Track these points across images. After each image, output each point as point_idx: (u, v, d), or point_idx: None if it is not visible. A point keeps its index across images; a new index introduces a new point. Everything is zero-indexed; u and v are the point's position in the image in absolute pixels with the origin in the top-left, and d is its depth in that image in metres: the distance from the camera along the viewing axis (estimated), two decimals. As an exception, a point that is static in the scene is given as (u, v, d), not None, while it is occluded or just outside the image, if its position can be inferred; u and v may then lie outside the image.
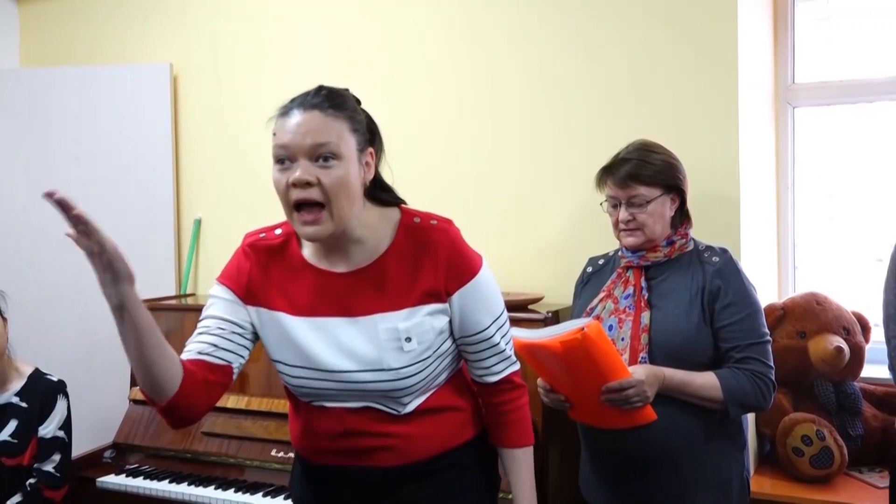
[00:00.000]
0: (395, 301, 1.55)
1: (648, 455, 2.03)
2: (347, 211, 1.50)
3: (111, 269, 1.34)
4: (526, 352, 1.93)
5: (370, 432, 1.58)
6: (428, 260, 1.57)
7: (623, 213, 2.06)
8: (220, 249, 3.34)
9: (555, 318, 2.37)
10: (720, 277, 2.04)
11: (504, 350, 1.66)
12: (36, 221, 3.36)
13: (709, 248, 2.12)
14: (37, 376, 2.60)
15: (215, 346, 1.54)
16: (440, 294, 1.57)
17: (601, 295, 2.15)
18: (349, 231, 1.54)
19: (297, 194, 1.45)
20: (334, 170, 1.46)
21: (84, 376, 3.00)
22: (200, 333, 1.56)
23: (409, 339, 1.54)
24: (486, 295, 1.62)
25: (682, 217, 2.14)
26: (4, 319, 2.57)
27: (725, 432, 2.07)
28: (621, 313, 2.08)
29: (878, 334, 2.49)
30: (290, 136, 1.46)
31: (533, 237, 2.75)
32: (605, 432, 2.06)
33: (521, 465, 1.69)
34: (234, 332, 1.57)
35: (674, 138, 2.52)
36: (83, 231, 1.32)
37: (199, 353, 1.53)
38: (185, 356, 1.52)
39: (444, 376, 1.64)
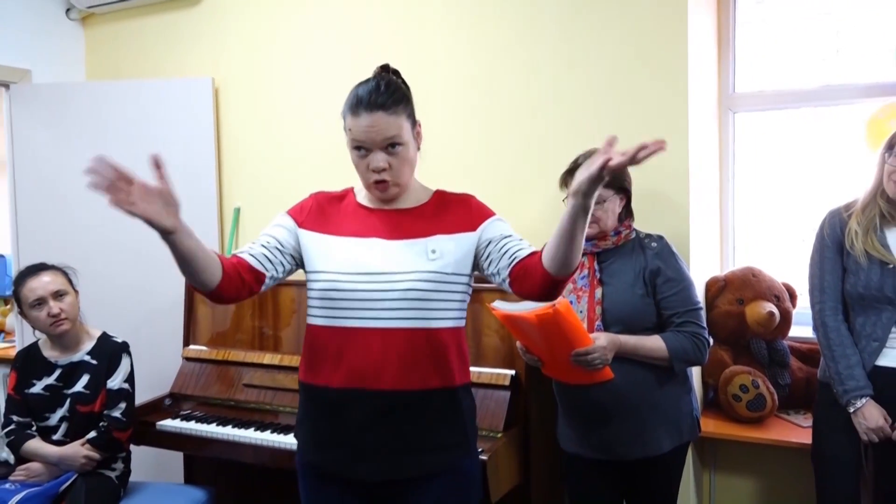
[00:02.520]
0: (427, 231, 1.66)
1: (611, 405, 2.06)
2: (409, 178, 1.68)
3: (171, 204, 1.47)
4: (506, 320, 1.94)
5: (386, 353, 1.57)
6: (457, 209, 1.71)
7: None
8: (257, 232, 3.32)
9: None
10: (659, 259, 2.09)
11: (528, 244, 1.65)
12: (102, 211, 3.26)
13: (648, 235, 2.18)
14: (104, 338, 2.60)
15: (259, 254, 1.65)
16: (469, 225, 1.67)
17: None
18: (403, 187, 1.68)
19: (374, 177, 1.61)
20: (400, 154, 1.61)
21: (144, 338, 3.00)
22: (253, 243, 1.68)
23: (434, 252, 1.63)
24: (508, 226, 1.71)
25: (626, 213, 2.18)
26: (76, 292, 2.57)
27: (673, 380, 2.11)
28: (579, 291, 2.12)
29: (803, 301, 2.51)
30: (364, 135, 1.58)
31: (515, 224, 2.74)
32: (574, 389, 2.09)
33: None
34: (278, 250, 1.67)
35: (635, 140, 2.53)
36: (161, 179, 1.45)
37: (245, 253, 1.66)
38: (235, 253, 1.67)
39: (448, 309, 1.63)
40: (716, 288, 2.67)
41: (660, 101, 2.53)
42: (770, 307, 2.56)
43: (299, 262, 1.71)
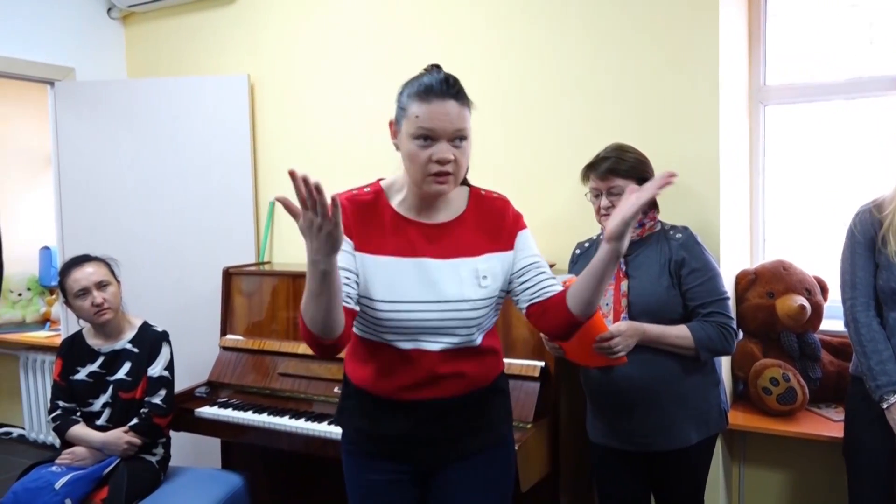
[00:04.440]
0: (474, 249, 1.60)
1: (638, 397, 2.03)
2: (463, 175, 1.58)
3: (331, 240, 1.28)
4: None
5: (446, 373, 1.59)
6: (496, 220, 1.65)
7: (604, 201, 2.06)
8: (291, 225, 3.32)
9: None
10: (684, 249, 2.05)
11: (549, 273, 1.66)
12: (142, 204, 3.39)
13: (672, 227, 2.13)
14: (145, 327, 2.63)
15: (349, 294, 1.52)
16: (507, 242, 1.63)
17: None
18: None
19: (437, 168, 1.50)
20: (464, 149, 1.53)
21: (183, 327, 3.02)
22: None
23: (485, 278, 1.59)
24: (533, 242, 1.68)
25: (651, 205, 2.13)
26: (118, 282, 2.60)
27: (700, 372, 2.07)
28: None
29: (834, 294, 2.44)
30: (437, 122, 1.48)
31: (539, 216, 2.71)
32: (602, 381, 2.08)
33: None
34: (354, 281, 1.55)
35: (667, 132, 2.51)
36: (316, 205, 1.24)
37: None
38: None
39: (490, 321, 1.66)
40: (746, 281, 2.61)
41: (690, 93, 2.47)
42: (801, 300, 2.50)
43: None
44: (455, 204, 1.64)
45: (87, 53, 3.63)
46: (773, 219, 2.85)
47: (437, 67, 1.57)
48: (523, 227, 1.67)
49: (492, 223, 1.64)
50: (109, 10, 3.72)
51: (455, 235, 1.60)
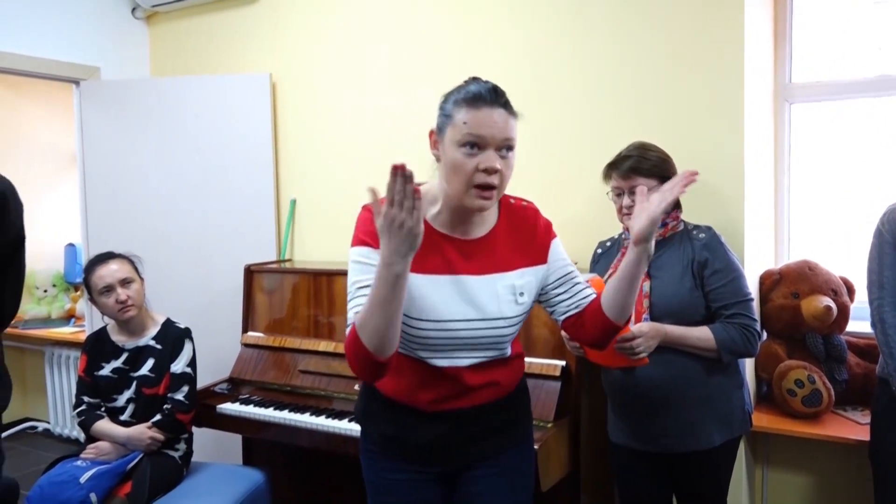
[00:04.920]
0: (509, 264, 1.57)
1: (660, 398, 2.01)
2: (504, 190, 1.53)
3: (411, 238, 1.27)
4: None
5: (479, 384, 1.59)
6: (528, 232, 1.61)
7: (626, 200, 2.04)
8: (311, 223, 3.38)
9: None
10: (707, 250, 2.02)
11: (582, 281, 1.66)
12: (166, 201, 3.42)
13: (696, 226, 2.11)
14: (168, 324, 2.65)
15: None
16: (541, 255, 1.61)
17: (610, 270, 2.13)
18: None
19: (484, 178, 1.44)
20: (510, 160, 1.48)
21: (205, 324, 3.05)
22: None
23: (522, 294, 1.57)
24: (563, 250, 1.67)
25: (674, 205, 2.10)
26: (142, 279, 2.62)
27: (723, 373, 2.04)
28: None
29: (861, 295, 2.41)
30: (487, 130, 1.43)
31: (562, 215, 2.69)
32: (623, 382, 2.06)
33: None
34: None
35: (691, 131, 2.48)
36: (407, 203, 1.24)
37: None
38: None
39: (517, 329, 1.65)
40: (770, 281, 2.58)
41: (715, 91, 2.45)
42: (827, 301, 2.47)
43: None
44: (488, 217, 1.60)
45: (111, 53, 3.68)
46: (799, 218, 2.81)
47: (477, 79, 1.53)
48: (553, 236, 1.65)
49: (524, 236, 1.61)
50: (134, 9, 3.76)
51: (490, 250, 1.57)
